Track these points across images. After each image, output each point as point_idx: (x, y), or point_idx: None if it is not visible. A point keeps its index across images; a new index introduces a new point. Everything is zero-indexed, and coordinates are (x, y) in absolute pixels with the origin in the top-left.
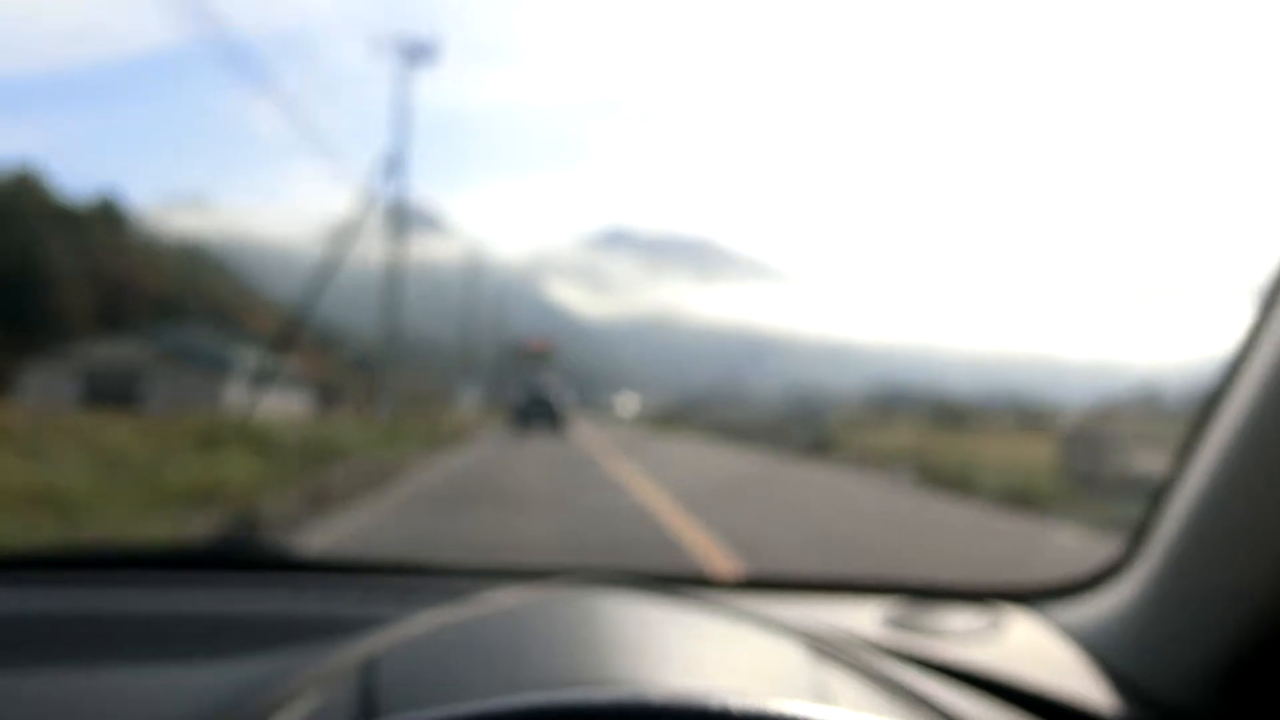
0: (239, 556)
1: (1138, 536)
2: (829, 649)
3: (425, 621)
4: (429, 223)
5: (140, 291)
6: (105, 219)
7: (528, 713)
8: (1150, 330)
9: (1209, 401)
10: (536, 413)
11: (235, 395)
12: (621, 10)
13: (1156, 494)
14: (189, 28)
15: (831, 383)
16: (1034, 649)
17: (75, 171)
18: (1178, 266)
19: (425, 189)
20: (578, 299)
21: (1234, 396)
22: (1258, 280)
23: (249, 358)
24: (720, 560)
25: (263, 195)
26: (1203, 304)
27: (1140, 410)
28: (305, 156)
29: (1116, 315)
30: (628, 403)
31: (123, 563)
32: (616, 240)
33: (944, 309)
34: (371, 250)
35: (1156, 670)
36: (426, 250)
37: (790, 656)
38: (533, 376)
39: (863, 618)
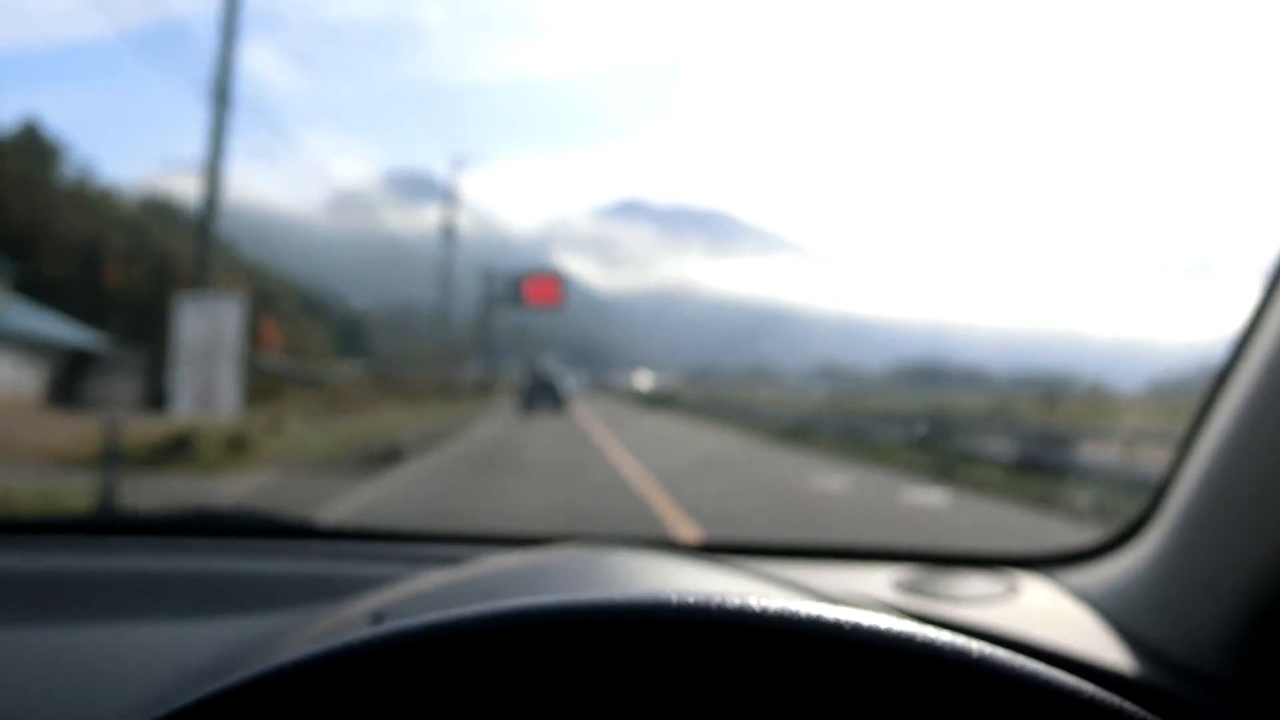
0: (255, 524)
1: (1151, 504)
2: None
3: (433, 579)
4: (435, 191)
5: (57, 232)
6: (26, 149)
7: (546, 612)
8: (1185, 308)
9: (1222, 372)
10: (541, 396)
11: None
12: None
13: (1172, 462)
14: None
15: (857, 359)
16: (1048, 612)
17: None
18: (1212, 243)
19: (433, 161)
20: (591, 271)
21: (1245, 367)
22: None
23: None
24: None
25: (271, 166)
26: (1240, 280)
27: (1198, 386)
28: (314, 126)
29: (1149, 292)
30: (644, 380)
31: (142, 528)
32: (631, 211)
33: (968, 286)
34: (372, 218)
35: (1171, 631)
36: (424, 218)
37: None
38: (537, 363)
39: (874, 582)
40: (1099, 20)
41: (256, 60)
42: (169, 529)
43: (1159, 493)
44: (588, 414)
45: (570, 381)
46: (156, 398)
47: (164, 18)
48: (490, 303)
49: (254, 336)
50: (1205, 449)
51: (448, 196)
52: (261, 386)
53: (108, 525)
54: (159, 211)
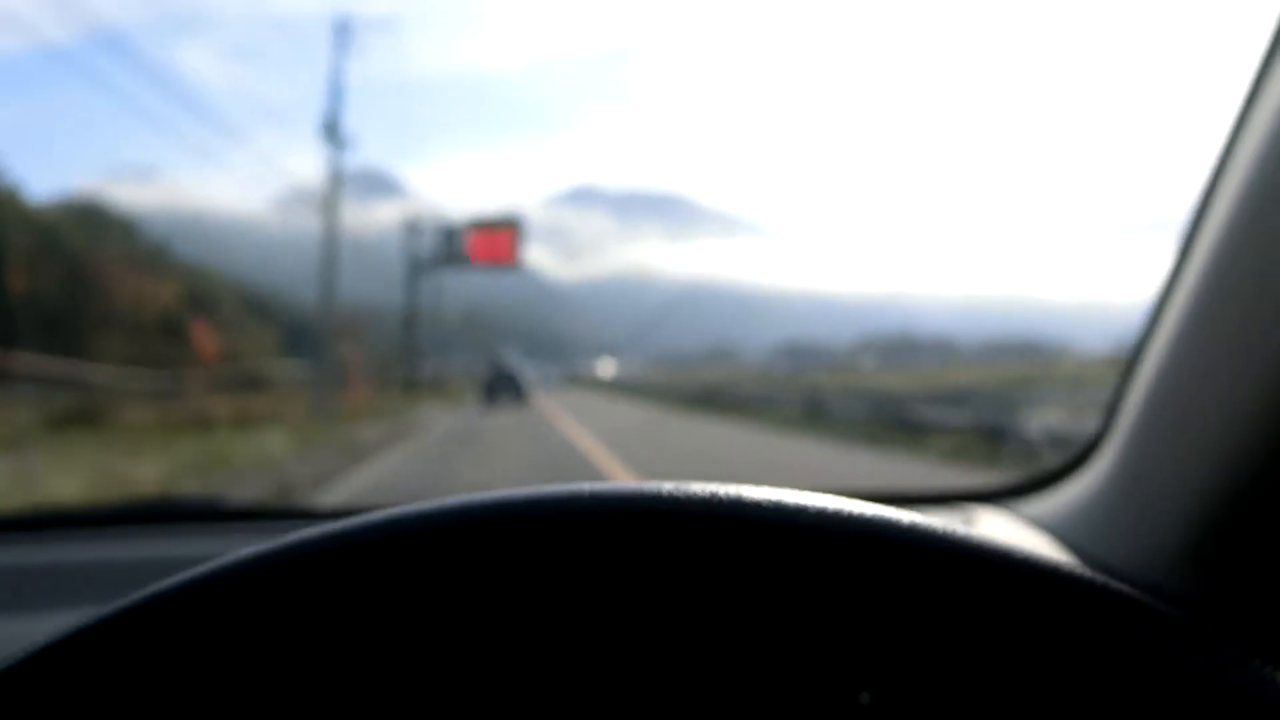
0: (185, 509)
1: (1100, 429)
2: None
3: None
4: (386, 187)
5: None
6: None
7: (514, 505)
8: (1146, 266)
9: (1161, 294)
10: (502, 387)
11: None
12: None
13: (1118, 386)
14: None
15: (823, 335)
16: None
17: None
18: (1168, 199)
19: (384, 158)
20: (547, 260)
21: (1180, 288)
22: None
23: None
24: None
25: (213, 167)
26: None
27: None
28: (259, 125)
29: (1109, 253)
30: (607, 368)
31: (73, 520)
32: (585, 198)
33: (930, 256)
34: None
35: (1125, 549)
36: (376, 215)
37: None
38: (499, 356)
39: None
40: None
41: (195, 58)
42: (94, 520)
43: (1107, 417)
44: (574, 424)
45: (531, 374)
46: None
47: (88, 30)
48: (416, 267)
49: (185, 340)
50: (1146, 371)
51: (334, 97)
52: (77, 406)
53: (28, 521)
54: (81, 216)
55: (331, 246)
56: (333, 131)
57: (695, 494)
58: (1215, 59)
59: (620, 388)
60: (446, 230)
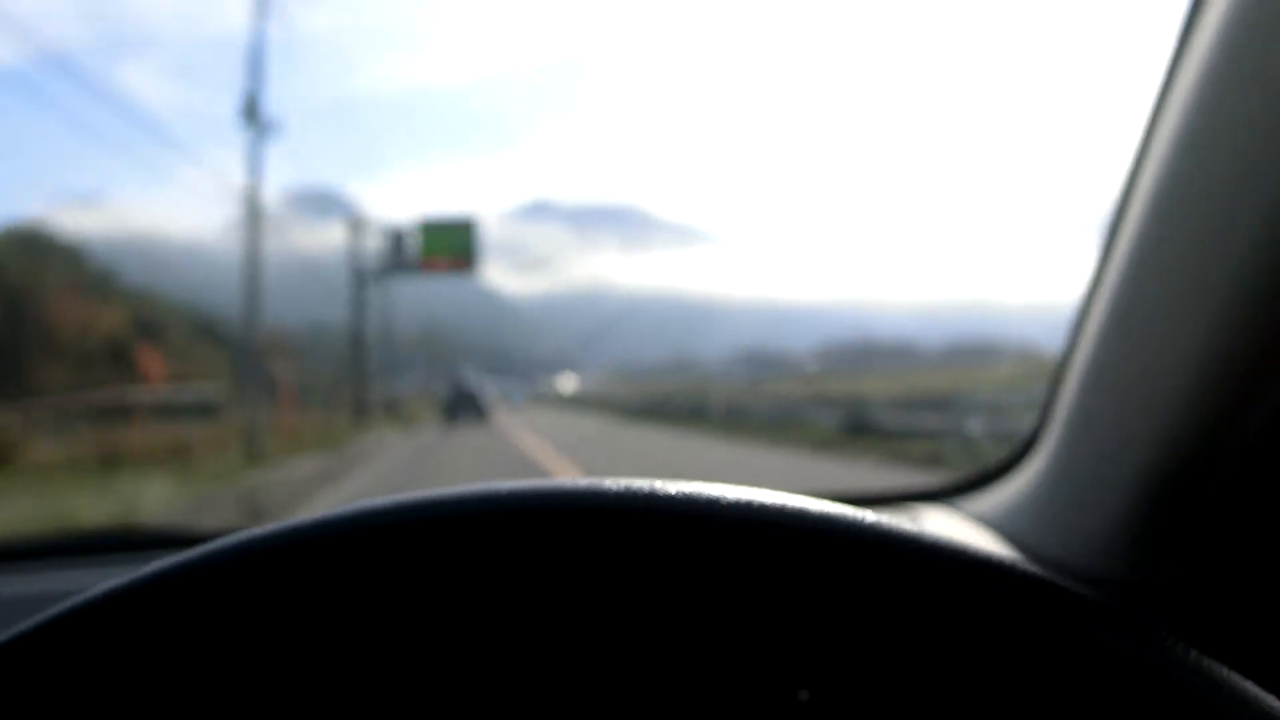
0: (140, 538)
1: (1038, 424)
2: None
3: None
4: (337, 206)
5: None
6: None
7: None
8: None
9: (1087, 292)
10: (463, 407)
11: None
12: None
13: (1053, 380)
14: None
15: (782, 343)
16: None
17: None
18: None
19: (334, 177)
20: (502, 276)
21: (1104, 285)
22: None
23: None
24: None
25: (161, 190)
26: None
27: None
28: (206, 147)
29: (1062, 251)
30: (568, 382)
31: (36, 552)
32: (539, 212)
33: (886, 262)
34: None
35: (1062, 540)
36: (326, 235)
37: None
38: (458, 375)
39: None
40: None
41: (140, 78)
42: (52, 551)
43: (1043, 414)
44: None
45: (492, 392)
46: None
47: (29, 52)
48: (361, 273)
49: (131, 367)
50: (1077, 367)
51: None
52: None
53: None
54: (24, 244)
55: (254, 247)
56: (252, 113)
57: (611, 489)
58: (1154, 55)
59: (588, 403)
60: (395, 233)
